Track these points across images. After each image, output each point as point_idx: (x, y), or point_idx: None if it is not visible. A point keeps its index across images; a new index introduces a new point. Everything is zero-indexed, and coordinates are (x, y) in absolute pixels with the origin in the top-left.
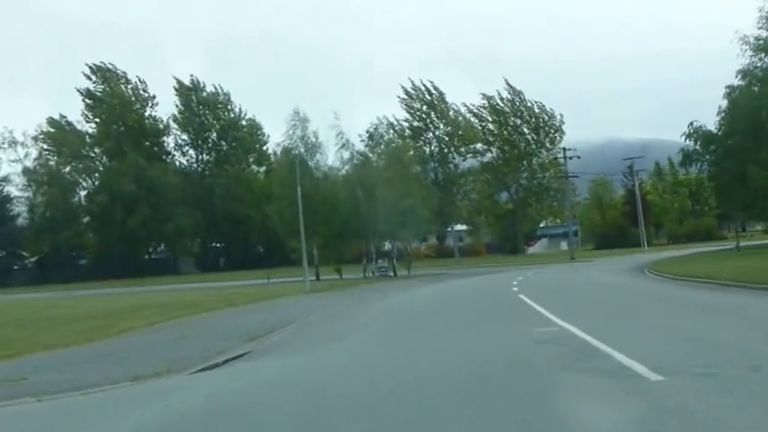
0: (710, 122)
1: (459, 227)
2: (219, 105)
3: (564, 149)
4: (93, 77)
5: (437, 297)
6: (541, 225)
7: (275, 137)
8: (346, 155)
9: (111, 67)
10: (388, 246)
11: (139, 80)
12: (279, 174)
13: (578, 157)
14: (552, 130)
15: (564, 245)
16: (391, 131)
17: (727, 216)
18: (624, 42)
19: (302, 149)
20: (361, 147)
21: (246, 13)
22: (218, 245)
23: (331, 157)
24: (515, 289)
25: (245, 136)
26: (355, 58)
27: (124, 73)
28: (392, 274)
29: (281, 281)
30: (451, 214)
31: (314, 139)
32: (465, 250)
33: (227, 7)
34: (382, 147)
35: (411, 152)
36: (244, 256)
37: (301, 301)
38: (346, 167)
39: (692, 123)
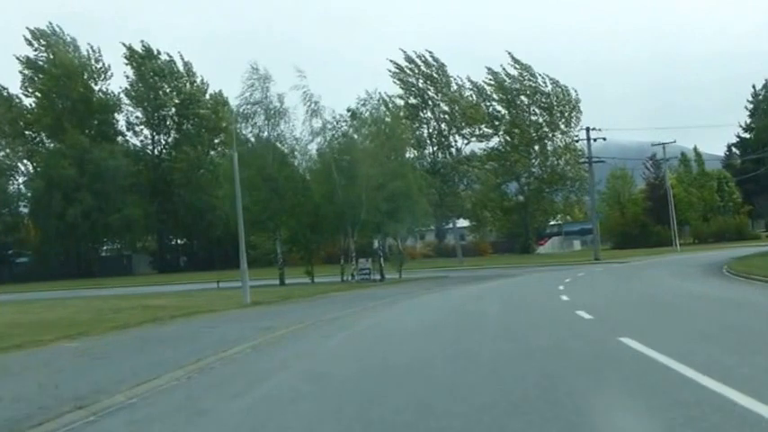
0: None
1: (460, 223)
2: (178, 76)
3: (587, 129)
4: (35, 43)
5: (441, 318)
6: (551, 222)
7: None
8: (317, 124)
9: (57, 30)
10: (377, 243)
11: (92, 48)
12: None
13: (604, 139)
14: (568, 109)
15: (577, 244)
16: (382, 109)
17: (760, 214)
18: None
19: (262, 117)
20: (341, 124)
21: None
22: (178, 241)
23: (299, 129)
24: (575, 309)
25: (209, 113)
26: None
27: (73, 39)
28: (379, 276)
29: (233, 285)
30: (453, 207)
31: (278, 104)
32: (468, 249)
33: None
34: (369, 125)
35: (405, 129)
36: (209, 255)
37: (201, 331)
38: (318, 140)
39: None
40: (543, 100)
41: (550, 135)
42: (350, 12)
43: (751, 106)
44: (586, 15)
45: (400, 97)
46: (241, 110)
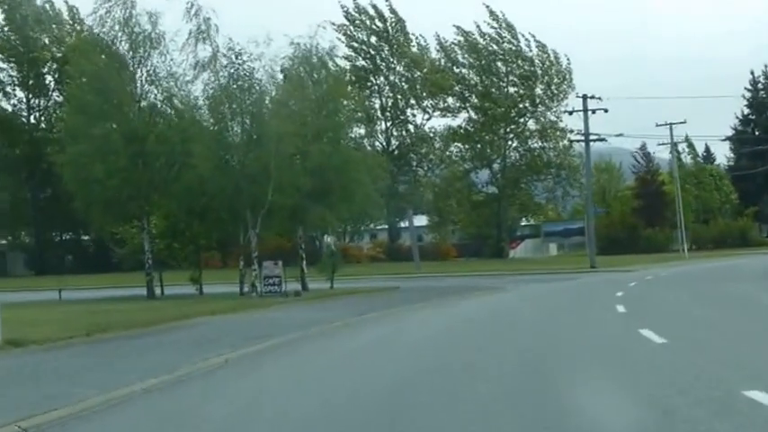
0: None
1: (418, 220)
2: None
3: (584, 97)
4: None
5: None
6: (523, 222)
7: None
8: (205, 53)
9: None
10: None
11: None
12: (76, 92)
13: (605, 110)
14: (556, 80)
15: (553, 248)
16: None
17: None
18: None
19: (126, 46)
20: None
21: None
22: (63, 236)
23: (181, 64)
24: None
25: None
26: None
27: None
28: (299, 286)
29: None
30: (409, 198)
31: (148, 29)
32: (427, 252)
33: None
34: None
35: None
36: (104, 252)
37: None
38: (204, 77)
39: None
40: (525, 67)
41: (532, 110)
42: None
43: (749, 95)
44: None
45: (346, 58)
46: (95, 33)
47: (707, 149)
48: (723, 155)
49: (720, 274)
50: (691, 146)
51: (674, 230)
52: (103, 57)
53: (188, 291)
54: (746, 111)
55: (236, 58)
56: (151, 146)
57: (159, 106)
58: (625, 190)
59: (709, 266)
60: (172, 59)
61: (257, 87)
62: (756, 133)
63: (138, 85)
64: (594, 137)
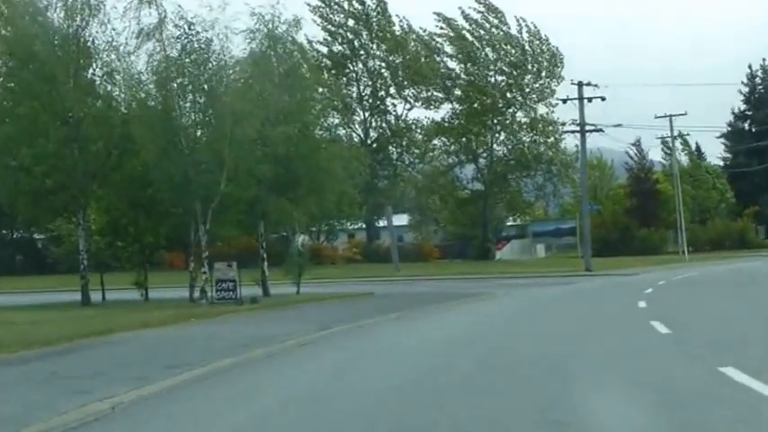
0: None
1: (398, 219)
2: None
3: (579, 84)
4: None
5: None
6: (509, 222)
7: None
8: (150, 19)
9: None
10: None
11: None
12: None
13: (603, 99)
14: (547, 63)
15: (541, 249)
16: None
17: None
18: None
19: (61, 15)
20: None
21: None
22: (14, 233)
23: (124, 34)
24: None
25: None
26: None
27: None
28: (259, 292)
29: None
30: (389, 194)
31: None
32: (407, 253)
33: None
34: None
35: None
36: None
37: None
38: (148, 47)
39: None
40: (513, 53)
41: (521, 101)
42: None
43: (746, 90)
44: None
45: (321, 43)
46: None
47: (697, 147)
48: (716, 153)
49: (746, 278)
50: (685, 142)
51: (669, 231)
52: (36, 26)
53: (133, 296)
54: (743, 106)
55: (189, 28)
56: (87, 128)
57: (98, 82)
58: (617, 188)
59: (720, 269)
60: (113, 29)
61: (214, 62)
62: (753, 130)
63: (74, 58)
64: (590, 127)
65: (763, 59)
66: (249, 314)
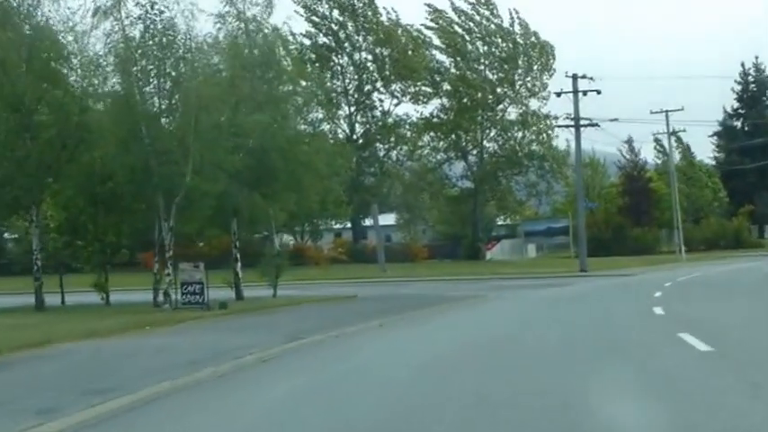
0: None
1: (384, 219)
2: None
3: (574, 77)
4: None
5: None
6: (499, 221)
7: None
8: None
9: None
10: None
11: None
12: None
13: (598, 92)
14: (541, 60)
15: (531, 249)
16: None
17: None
18: None
19: None
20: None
21: None
22: None
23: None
24: None
25: None
26: None
27: None
28: (233, 295)
29: None
30: (375, 191)
31: None
32: (395, 253)
33: None
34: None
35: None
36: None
37: None
38: (107, 26)
39: None
40: (504, 47)
41: (512, 96)
42: None
43: (739, 88)
44: None
45: (305, 35)
46: None
47: (687, 146)
48: (706, 152)
49: (761, 278)
50: (679, 140)
51: (662, 230)
52: None
53: (95, 300)
54: (736, 104)
55: (152, 7)
56: (41, 116)
57: (53, 66)
58: (609, 187)
59: (723, 269)
60: (68, 8)
61: (179, 44)
62: (746, 128)
63: (26, 40)
64: (585, 121)
65: (756, 57)
66: (214, 321)
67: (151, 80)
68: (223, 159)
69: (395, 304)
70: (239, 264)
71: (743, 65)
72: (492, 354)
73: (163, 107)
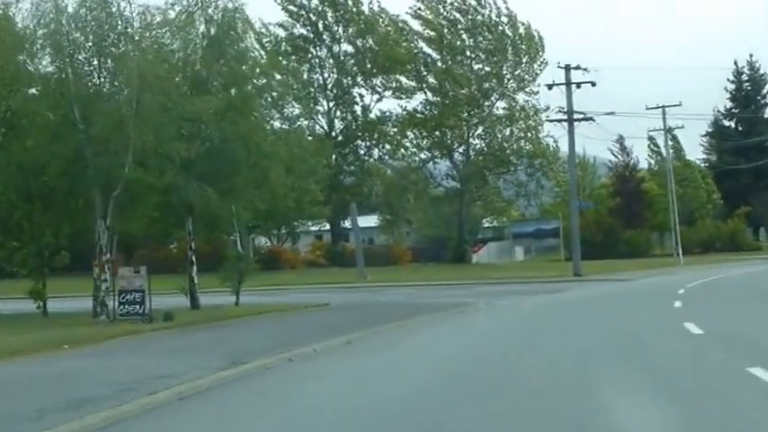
0: None
1: (364, 221)
2: None
3: (567, 67)
4: None
5: None
6: (485, 223)
7: None
8: None
9: None
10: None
11: None
12: None
13: (593, 84)
14: (531, 53)
15: (519, 251)
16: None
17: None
18: None
19: None
20: None
21: None
22: None
23: None
24: None
25: None
26: None
27: None
28: (187, 302)
29: None
30: (356, 191)
31: None
32: (378, 256)
33: None
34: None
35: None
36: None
37: None
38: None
39: None
40: (491, 38)
41: (500, 91)
42: None
43: (732, 87)
44: None
45: (281, 25)
46: None
47: (680, 146)
48: (697, 152)
49: None
50: (674, 138)
51: (654, 233)
52: None
53: (30, 308)
54: (729, 104)
55: None
56: None
57: None
58: (600, 188)
59: (738, 273)
60: None
61: (117, 17)
62: (740, 128)
63: None
64: (579, 115)
65: (750, 56)
66: (150, 338)
67: (89, 58)
68: (170, 147)
69: (370, 314)
70: (195, 268)
71: (736, 63)
72: (491, 390)
73: (104, 89)
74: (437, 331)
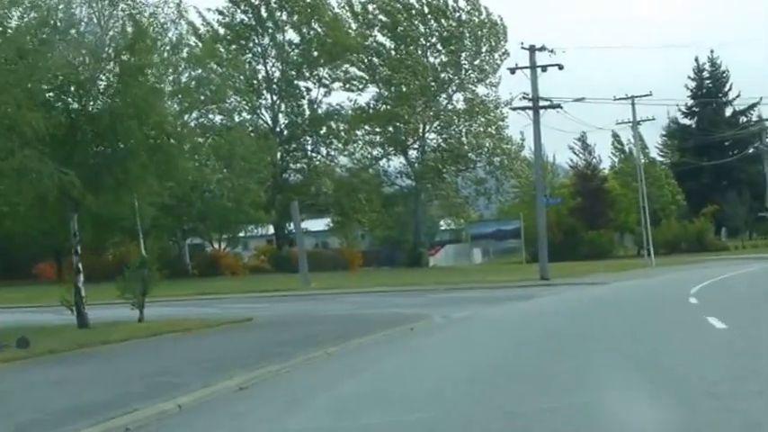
0: None
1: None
2: None
3: (531, 48)
4: None
5: None
6: (442, 225)
7: None
8: None
9: None
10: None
11: None
12: None
13: (560, 67)
14: (492, 41)
15: (477, 254)
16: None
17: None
18: None
19: None
20: None
21: None
22: None
23: None
24: None
25: None
26: None
27: None
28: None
29: None
30: (303, 190)
31: None
32: (328, 261)
33: None
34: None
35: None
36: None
37: None
38: None
39: None
40: (447, 25)
41: (458, 82)
42: None
43: (693, 84)
44: None
45: (221, 13)
46: None
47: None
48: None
49: None
50: (639, 137)
51: (616, 233)
52: None
53: None
54: (689, 102)
55: None
56: None
57: None
58: (560, 187)
59: (736, 274)
60: None
61: None
62: (701, 126)
63: None
64: (546, 102)
65: (711, 51)
66: None
67: None
68: (16, 117)
69: (296, 336)
70: (81, 276)
71: (697, 60)
72: None
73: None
74: (374, 364)
